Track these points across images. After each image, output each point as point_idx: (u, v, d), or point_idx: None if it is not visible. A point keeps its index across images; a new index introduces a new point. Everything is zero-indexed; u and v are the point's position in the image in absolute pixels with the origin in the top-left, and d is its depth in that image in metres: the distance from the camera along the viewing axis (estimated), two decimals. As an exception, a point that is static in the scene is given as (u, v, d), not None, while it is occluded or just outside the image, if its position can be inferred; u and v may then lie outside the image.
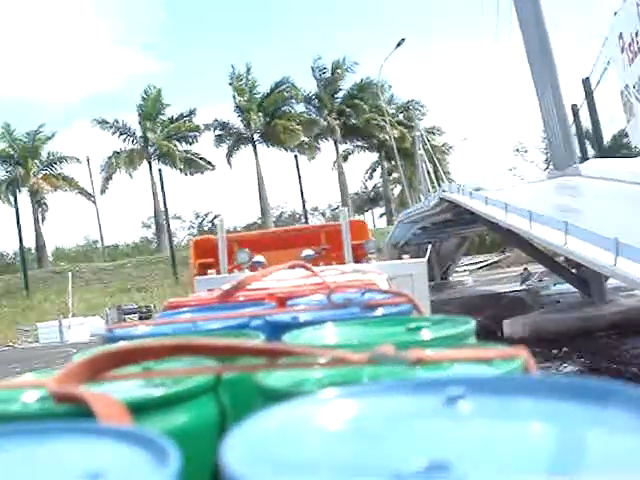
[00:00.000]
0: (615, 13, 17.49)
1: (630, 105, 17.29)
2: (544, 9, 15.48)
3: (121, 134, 37.90)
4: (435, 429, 0.47)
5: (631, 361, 10.02)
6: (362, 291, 1.60)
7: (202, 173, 39.24)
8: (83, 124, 72.22)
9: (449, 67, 75.02)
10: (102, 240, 40.09)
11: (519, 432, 0.46)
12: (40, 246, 37.07)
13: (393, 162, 38.14)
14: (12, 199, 34.01)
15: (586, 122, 27.02)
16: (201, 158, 38.91)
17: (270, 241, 8.03)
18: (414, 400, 0.52)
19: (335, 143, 40.13)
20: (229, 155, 38.88)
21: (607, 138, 28.80)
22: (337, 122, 39.25)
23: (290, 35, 68.08)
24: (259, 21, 64.50)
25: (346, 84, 39.77)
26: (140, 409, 0.62)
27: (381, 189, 44.54)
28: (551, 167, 16.85)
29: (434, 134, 39.26)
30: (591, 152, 27.12)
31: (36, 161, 36.91)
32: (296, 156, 36.59)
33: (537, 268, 22.07)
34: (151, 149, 37.88)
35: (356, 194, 45.53)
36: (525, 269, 21.92)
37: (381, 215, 47.00)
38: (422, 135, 27.52)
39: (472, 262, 32.27)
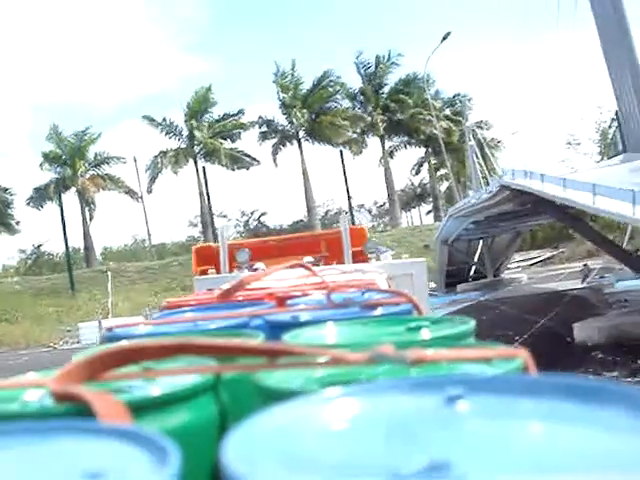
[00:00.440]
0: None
1: None
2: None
3: (168, 132, 38.04)
4: (435, 429, 0.47)
5: None
6: (362, 291, 1.60)
7: (247, 169, 39.13)
8: (130, 124, 72.12)
9: (495, 60, 73.12)
10: (150, 239, 40.22)
11: (519, 432, 0.46)
12: (88, 246, 37.04)
13: (440, 158, 37.67)
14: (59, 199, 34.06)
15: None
16: (246, 155, 38.67)
17: (270, 249, 8.13)
18: (414, 400, 0.52)
19: (381, 139, 39.69)
20: (274, 153, 38.77)
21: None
22: (382, 117, 38.82)
23: (334, 29, 67.73)
24: (302, 17, 64.48)
25: (392, 78, 39.42)
26: (140, 408, 0.62)
27: (428, 185, 43.98)
28: (606, 157, 16.08)
29: (482, 128, 38.58)
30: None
31: (83, 161, 36.92)
32: (341, 152, 36.33)
33: (596, 264, 21.00)
34: (197, 148, 37.80)
35: (402, 190, 44.98)
36: (585, 265, 20.43)
37: (428, 212, 46.62)
38: (472, 129, 26.94)
39: (525, 258, 31.07)
